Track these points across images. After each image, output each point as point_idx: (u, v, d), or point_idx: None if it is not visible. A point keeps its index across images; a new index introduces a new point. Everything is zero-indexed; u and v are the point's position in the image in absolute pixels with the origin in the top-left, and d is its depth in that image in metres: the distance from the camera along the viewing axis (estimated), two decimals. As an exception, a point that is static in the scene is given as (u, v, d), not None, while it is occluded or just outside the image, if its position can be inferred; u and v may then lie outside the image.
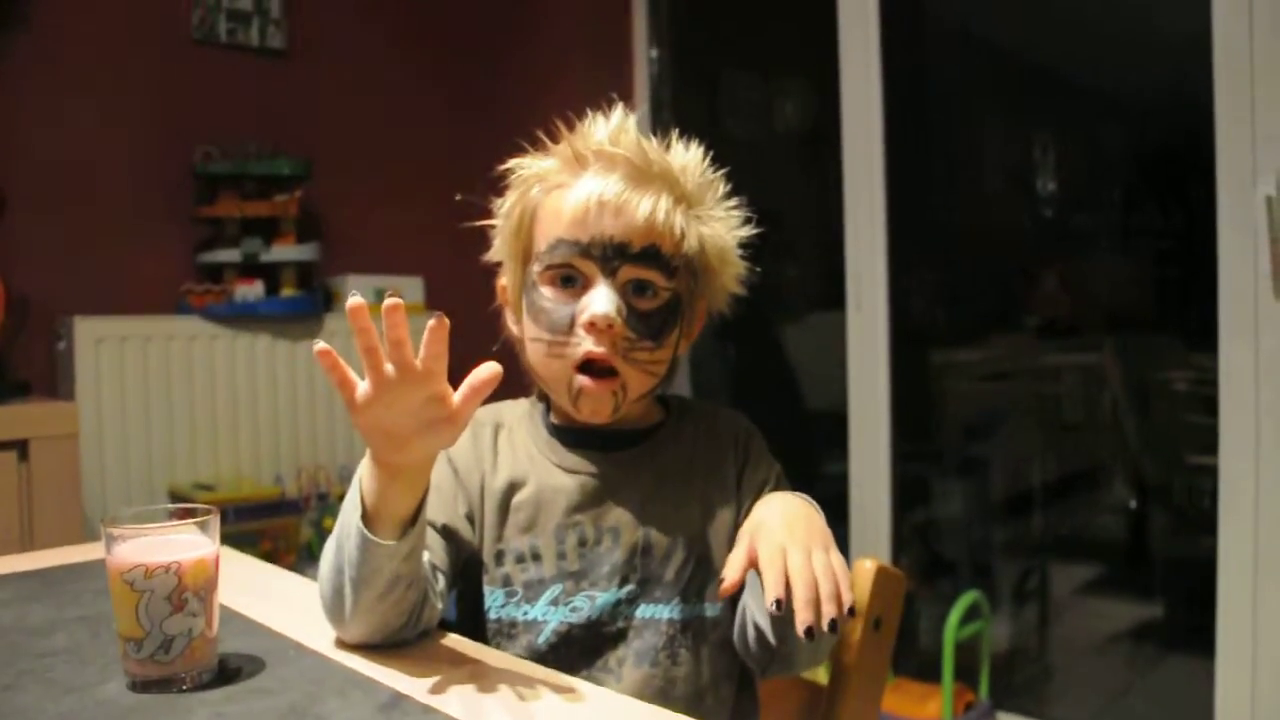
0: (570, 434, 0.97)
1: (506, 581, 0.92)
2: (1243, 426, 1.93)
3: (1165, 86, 2.25)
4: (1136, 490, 2.46)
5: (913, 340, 2.60)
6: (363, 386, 0.73)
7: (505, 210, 0.97)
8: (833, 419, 2.62)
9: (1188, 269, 2.20)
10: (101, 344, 2.67)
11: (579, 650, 0.90)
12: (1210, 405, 1.99)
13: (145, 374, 2.74)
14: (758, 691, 1.03)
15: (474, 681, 0.79)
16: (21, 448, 2.28)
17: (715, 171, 0.97)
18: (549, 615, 0.90)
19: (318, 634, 0.87)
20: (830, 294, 2.63)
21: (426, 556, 0.86)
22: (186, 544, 0.77)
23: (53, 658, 0.83)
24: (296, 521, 2.91)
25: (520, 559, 0.93)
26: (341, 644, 0.85)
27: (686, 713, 0.77)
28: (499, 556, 0.93)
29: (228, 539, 1.00)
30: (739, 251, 0.98)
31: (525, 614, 0.91)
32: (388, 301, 0.70)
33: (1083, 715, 2.30)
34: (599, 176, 0.90)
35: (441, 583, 0.89)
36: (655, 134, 0.97)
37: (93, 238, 2.78)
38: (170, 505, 0.85)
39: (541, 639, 0.90)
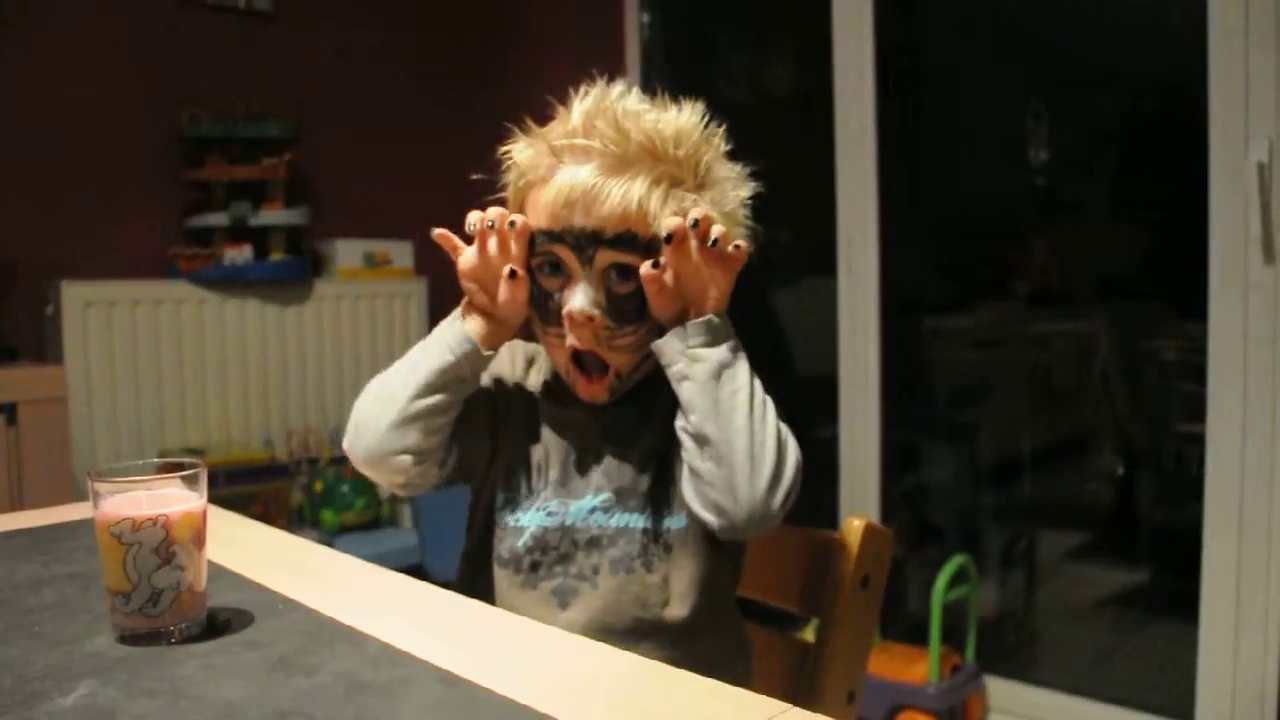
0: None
1: (507, 487, 0.99)
2: (1231, 393, 1.94)
3: (1159, 53, 2.24)
4: (1125, 457, 2.47)
5: (904, 306, 2.60)
6: (468, 251, 0.96)
7: (508, 199, 1.01)
8: (823, 384, 2.63)
9: (1179, 236, 2.20)
10: (89, 308, 2.65)
11: (555, 556, 0.95)
12: (1199, 373, 2.00)
13: (134, 338, 2.73)
14: (748, 635, 1.04)
15: (461, 634, 0.79)
16: (10, 411, 2.27)
17: (715, 128, 0.97)
18: (529, 520, 0.97)
19: (307, 589, 0.87)
20: (822, 258, 2.63)
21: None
22: (174, 497, 0.77)
23: (41, 612, 0.83)
24: (287, 485, 2.91)
25: (516, 470, 1.00)
26: (329, 596, 0.85)
27: (662, 622, 0.92)
28: (508, 467, 1.00)
29: (218, 503, 1.00)
30: (743, 211, 0.98)
31: (516, 520, 0.98)
32: (506, 219, 0.93)
33: (1068, 679, 2.33)
34: (572, 168, 0.93)
35: (447, 461, 0.98)
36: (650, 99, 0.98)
37: (80, 202, 2.76)
38: (157, 460, 0.85)
39: (520, 542, 0.96)
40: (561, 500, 0.96)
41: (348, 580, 0.94)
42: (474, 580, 1.00)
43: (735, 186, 0.98)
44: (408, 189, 3.29)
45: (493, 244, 0.94)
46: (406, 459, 0.93)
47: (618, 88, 0.96)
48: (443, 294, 3.25)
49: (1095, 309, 2.47)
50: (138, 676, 0.69)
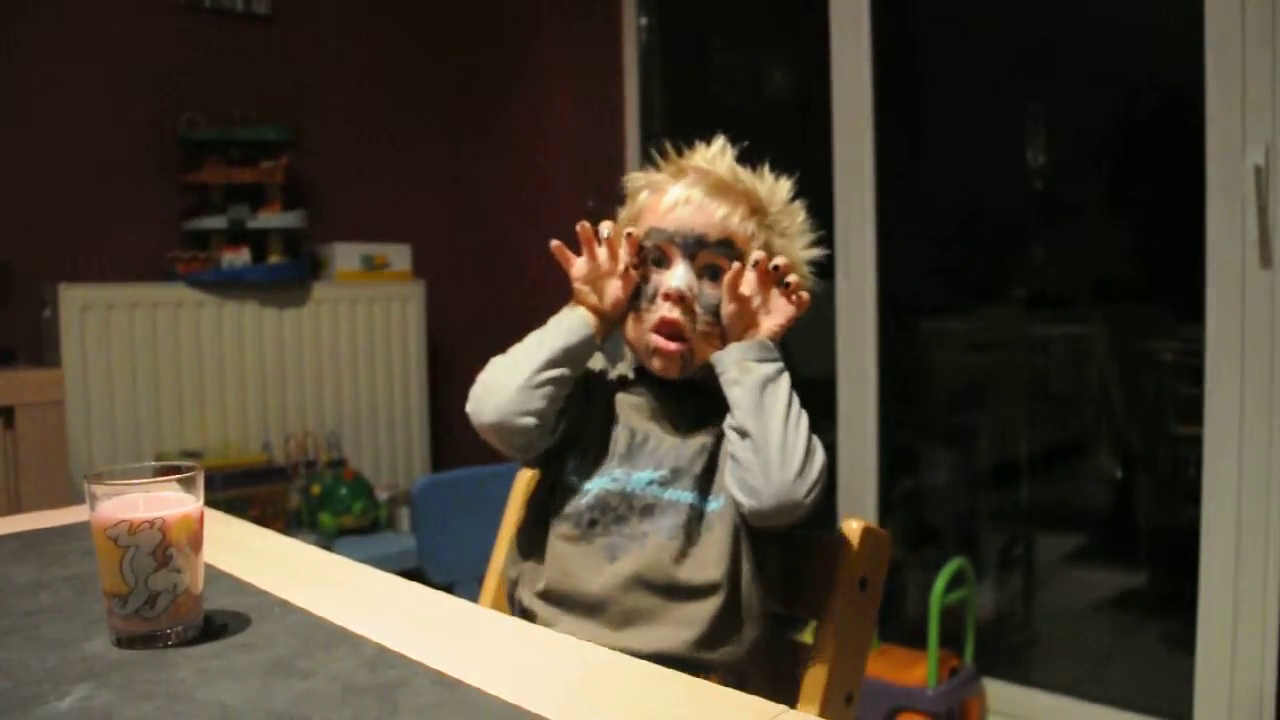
0: (645, 374, 1.17)
1: (580, 455, 1.13)
2: (1228, 395, 1.94)
3: (1156, 56, 2.24)
4: (1122, 460, 2.47)
5: (901, 309, 2.60)
6: (580, 261, 1.13)
7: (625, 215, 1.19)
8: (821, 387, 2.63)
9: (1176, 239, 2.20)
10: (87, 311, 2.65)
11: (613, 517, 1.07)
12: (1197, 375, 2.00)
13: (131, 341, 2.73)
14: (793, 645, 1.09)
15: (457, 636, 0.79)
16: (7, 414, 2.28)
17: (798, 201, 1.18)
18: (593, 485, 1.09)
19: (304, 592, 0.87)
20: (820, 261, 2.62)
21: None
22: (170, 500, 0.77)
23: (38, 615, 0.83)
24: (284, 488, 2.91)
25: (590, 443, 1.13)
26: (325, 598, 0.85)
27: (694, 583, 1.01)
28: (585, 439, 1.13)
29: (216, 506, 1.00)
30: (810, 269, 1.18)
31: (582, 484, 1.10)
32: (609, 230, 1.12)
33: (1066, 681, 2.33)
34: (687, 186, 1.13)
35: (557, 429, 1.11)
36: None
37: (77, 205, 2.76)
38: (154, 463, 0.85)
39: (584, 500, 1.08)
40: (625, 470, 1.09)
41: (344, 583, 0.94)
42: (529, 544, 1.11)
43: (805, 248, 1.18)
44: (405, 192, 3.29)
45: (602, 253, 1.12)
46: (531, 420, 1.06)
47: (731, 148, 1.17)
48: (440, 296, 3.25)
49: (1093, 312, 2.47)
50: (134, 680, 0.69)
